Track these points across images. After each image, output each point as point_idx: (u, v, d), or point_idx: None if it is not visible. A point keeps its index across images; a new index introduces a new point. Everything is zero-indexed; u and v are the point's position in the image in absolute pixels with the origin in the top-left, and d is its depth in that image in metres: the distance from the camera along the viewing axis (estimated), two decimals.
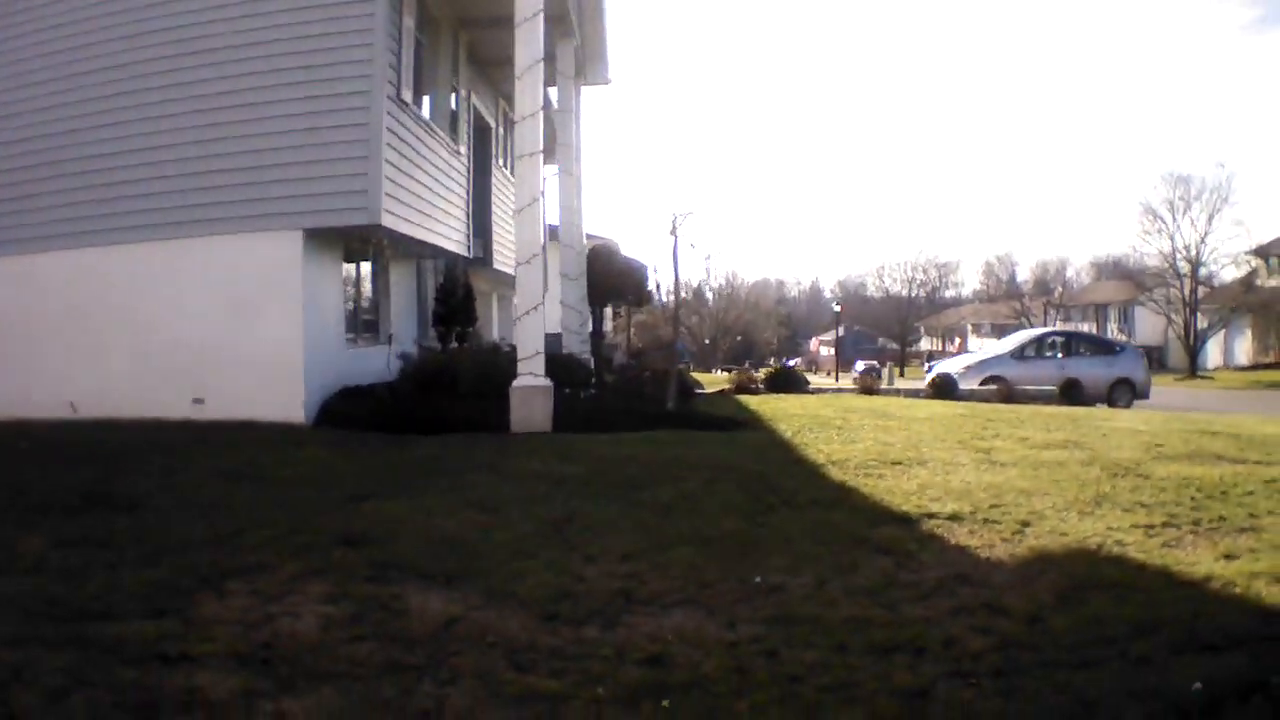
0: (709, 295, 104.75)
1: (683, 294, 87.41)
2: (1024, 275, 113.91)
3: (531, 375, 15.20)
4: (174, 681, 5.33)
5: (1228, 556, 7.94)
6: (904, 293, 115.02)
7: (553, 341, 19.23)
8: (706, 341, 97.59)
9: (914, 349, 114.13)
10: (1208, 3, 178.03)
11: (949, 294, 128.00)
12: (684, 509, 9.74)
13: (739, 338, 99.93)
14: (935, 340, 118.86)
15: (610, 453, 12.75)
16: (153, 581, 6.89)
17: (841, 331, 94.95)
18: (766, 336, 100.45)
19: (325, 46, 15.77)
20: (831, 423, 16.67)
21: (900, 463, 12.31)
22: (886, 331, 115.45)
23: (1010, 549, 8.29)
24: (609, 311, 44.15)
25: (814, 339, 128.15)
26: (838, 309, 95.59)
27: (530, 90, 16.20)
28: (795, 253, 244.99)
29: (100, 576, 6.94)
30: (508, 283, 23.52)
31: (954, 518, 9.30)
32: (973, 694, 5.36)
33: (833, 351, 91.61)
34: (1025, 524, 9.04)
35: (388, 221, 16.01)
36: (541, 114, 16.53)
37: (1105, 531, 8.78)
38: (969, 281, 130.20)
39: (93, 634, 5.86)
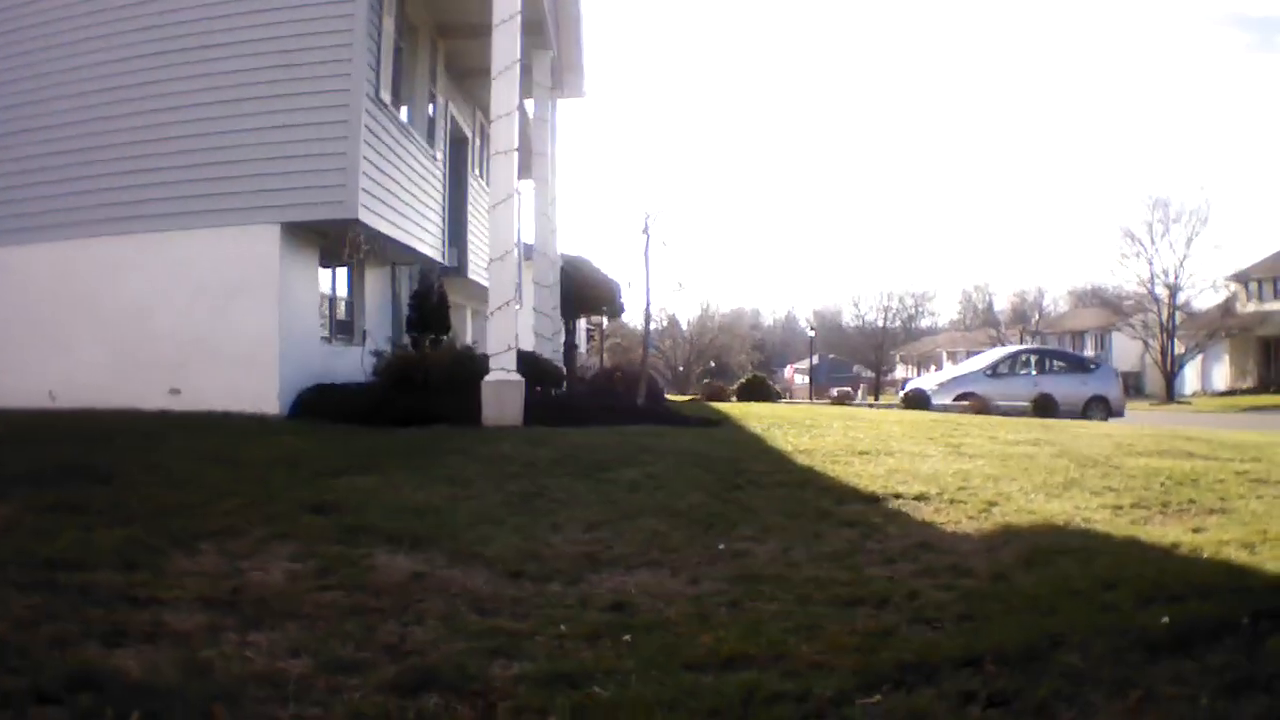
0: (683, 323, 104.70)
1: (659, 323, 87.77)
2: (1001, 305, 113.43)
3: (504, 370, 15.26)
4: (141, 617, 5.36)
5: (1197, 530, 8.02)
6: (879, 322, 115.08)
7: (526, 352, 19.30)
8: (680, 368, 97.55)
9: (889, 377, 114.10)
10: (1190, 29, 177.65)
11: (925, 323, 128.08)
12: (651, 487, 9.83)
13: (713, 363, 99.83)
14: (911, 368, 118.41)
15: (580, 440, 12.82)
16: (124, 540, 6.89)
17: (816, 359, 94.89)
18: (740, 360, 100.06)
19: (306, 45, 15.91)
20: (801, 422, 16.80)
21: (868, 453, 12.42)
22: (862, 360, 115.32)
23: (976, 524, 8.37)
24: (583, 333, 44.29)
25: (789, 366, 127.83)
26: (812, 334, 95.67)
27: (506, 90, 16.27)
28: (770, 283, 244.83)
29: (73, 535, 6.92)
30: (481, 297, 23.58)
31: (920, 498, 9.40)
32: (937, 635, 5.41)
33: (807, 380, 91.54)
34: (992, 504, 9.12)
35: (364, 217, 16.06)
36: (516, 114, 16.69)
37: (1072, 510, 8.86)
38: (946, 312, 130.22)
39: (63, 580, 5.87)
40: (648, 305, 25.28)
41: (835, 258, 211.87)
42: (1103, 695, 4.43)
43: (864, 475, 10.64)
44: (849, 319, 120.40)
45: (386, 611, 5.77)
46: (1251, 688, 4.45)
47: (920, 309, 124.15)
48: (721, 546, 7.54)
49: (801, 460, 11.84)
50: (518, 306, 16.36)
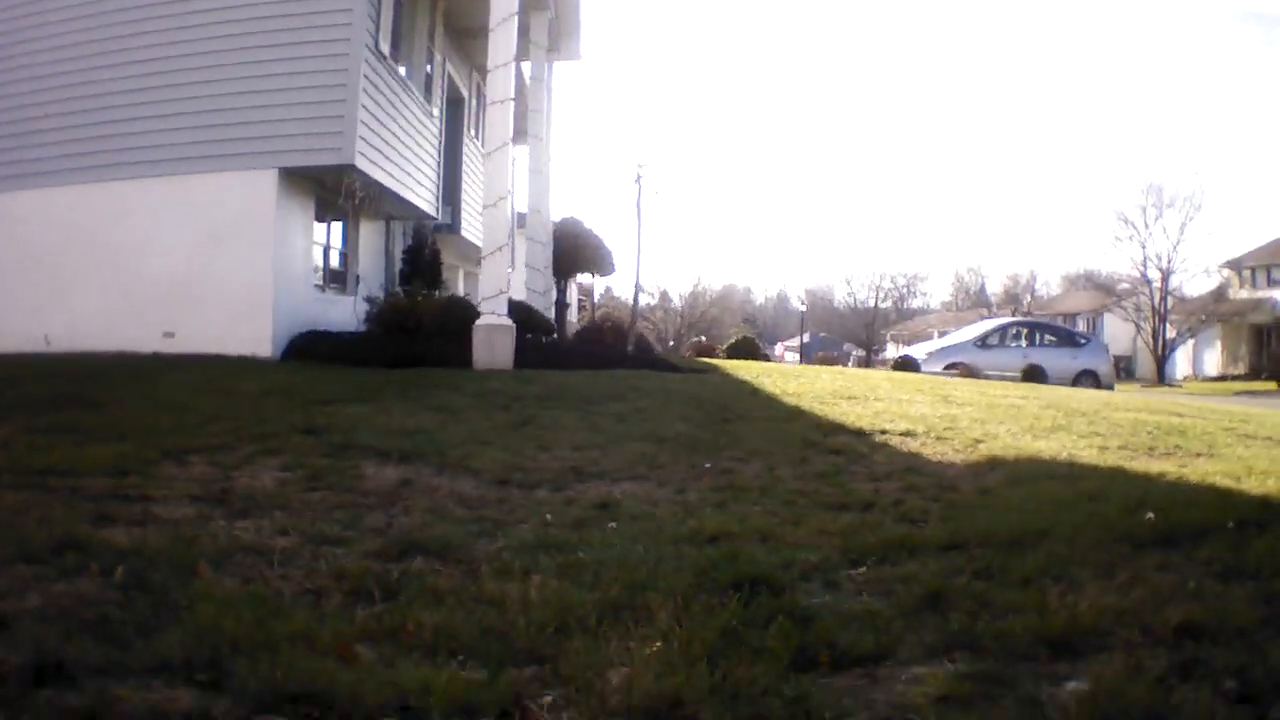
0: (675, 297, 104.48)
1: (650, 296, 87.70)
2: (994, 287, 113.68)
3: (494, 315, 15.26)
4: (130, 509, 5.40)
5: (1182, 466, 8.01)
6: (871, 302, 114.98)
7: (518, 301, 19.32)
8: (670, 341, 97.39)
9: (881, 355, 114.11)
10: (1192, 21, 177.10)
11: (917, 304, 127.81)
12: (638, 419, 9.87)
13: (703, 337, 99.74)
14: (902, 346, 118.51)
15: (568, 380, 12.90)
16: (116, 454, 6.87)
17: (807, 337, 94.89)
18: (731, 334, 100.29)
19: None
20: (790, 373, 17.03)
21: (856, 398, 12.48)
22: (853, 338, 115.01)
23: (963, 456, 8.39)
24: (574, 298, 44.33)
25: (779, 344, 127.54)
26: (803, 309, 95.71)
27: (503, 41, 16.22)
28: (763, 261, 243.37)
29: (66, 450, 6.88)
30: (473, 257, 23.61)
31: (907, 434, 9.44)
32: (921, 528, 5.49)
33: (798, 357, 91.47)
34: (979, 441, 9.14)
35: (360, 164, 16.02)
36: (513, 65, 16.63)
37: (1058, 448, 8.88)
38: (938, 293, 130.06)
39: (55, 484, 5.88)
40: (639, 255, 25.39)
41: (828, 237, 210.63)
42: (1089, 574, 4.48)
43: (851, 415, 10.68)
44: (841, 298, 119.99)
45: (373, 506, 5.84)
46: (1240, 575, 4.50)
47: (912, 289, 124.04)
48: (708, 465, 7.57)
49: (790, 401, 11.90)
50: (509, 269, 16.35)
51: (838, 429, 9.68)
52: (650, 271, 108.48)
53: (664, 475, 7.18)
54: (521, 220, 24.02)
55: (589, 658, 3.45)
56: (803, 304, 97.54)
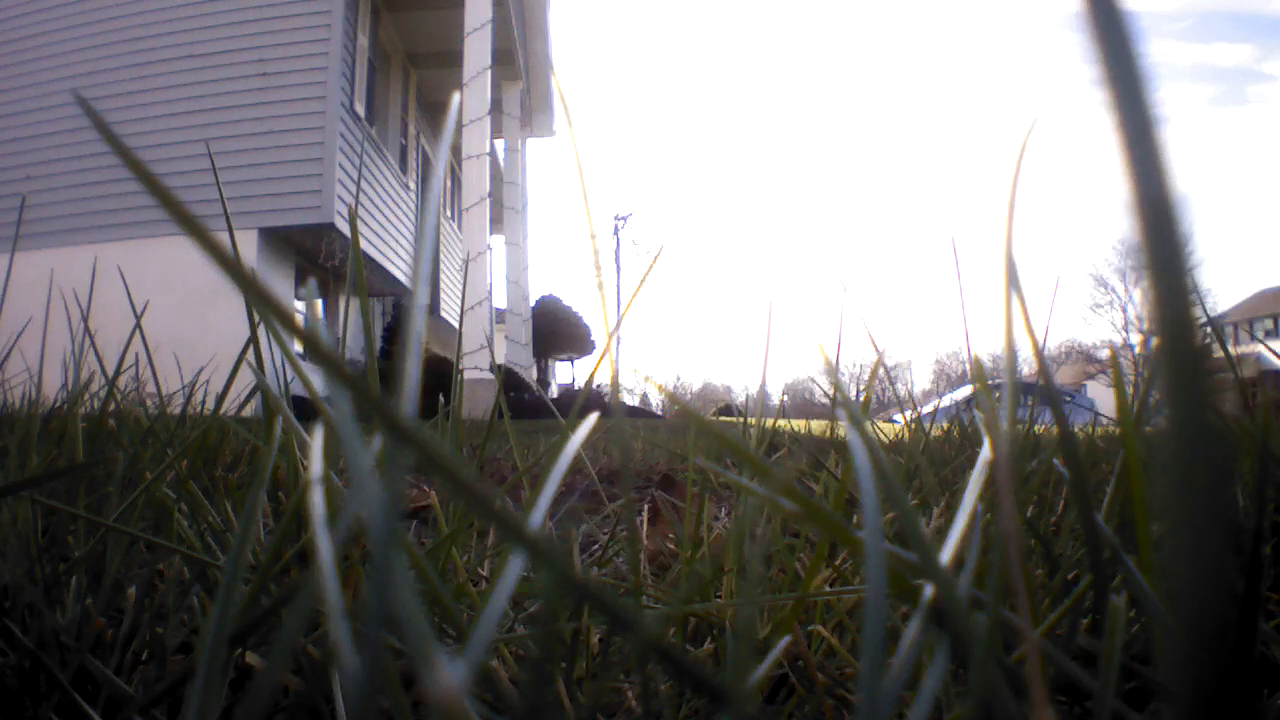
0: (654, 397, 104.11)
1: (631, 398, 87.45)
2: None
3: (476, 369, 15.36)
4: None
5: None
6: (852, 395, 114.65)
7: (500, 364, 19.32)
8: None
9: None
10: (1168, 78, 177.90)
11: (900, 391, 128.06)
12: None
13: None
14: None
15: (545, 425, 13.00)
16: None
17: None
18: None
19: (284, 55, 16.21)
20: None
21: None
22: None
23: None
24: (555, 379, 44.44)
25: None
26: (785, 399, 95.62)
27: (479, 92, 16.55)
28: (741, 359, 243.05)
29: None
30: (452, 346, 23.57)
31: None
32: None
33: None
34: None
35: (340, 224, 16.12)
36: (489, 118, 16.84)
37: None
38: (919, 380, 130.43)
39: None
40: (619, 308, 25.27)
41: (806, 332, 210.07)
42: None
43: None
44: (820, 394, 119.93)
45: None
46: None
47: (893, 378, 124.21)
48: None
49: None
50: (482, 341, 16.46)
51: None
52: (630, 358, 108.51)
53: None
54: (500, 316, 23.92)
55: None
56: (785, 396, 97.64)
